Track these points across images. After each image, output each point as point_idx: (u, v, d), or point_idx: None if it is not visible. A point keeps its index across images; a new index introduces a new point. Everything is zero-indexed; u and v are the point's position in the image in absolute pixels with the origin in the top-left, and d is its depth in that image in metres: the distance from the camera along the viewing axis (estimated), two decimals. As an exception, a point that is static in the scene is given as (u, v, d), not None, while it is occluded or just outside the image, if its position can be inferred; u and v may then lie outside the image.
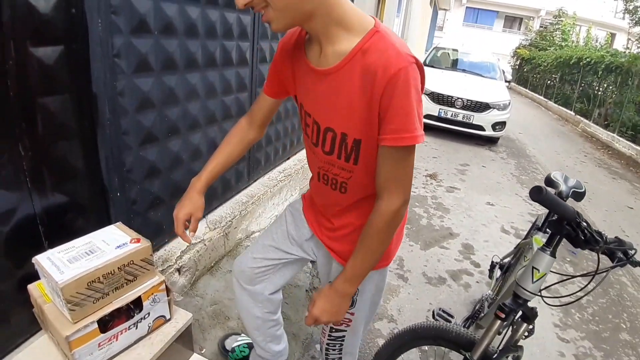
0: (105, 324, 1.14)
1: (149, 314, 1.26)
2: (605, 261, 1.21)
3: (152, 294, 1.26)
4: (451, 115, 6.60)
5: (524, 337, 1.30)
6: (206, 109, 1.96)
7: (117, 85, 1.42)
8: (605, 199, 4.94)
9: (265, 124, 1.30)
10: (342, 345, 1.33)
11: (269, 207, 2.73)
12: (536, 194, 1.19)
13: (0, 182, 1.14)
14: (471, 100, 6.52)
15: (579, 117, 10.74)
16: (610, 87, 9.69)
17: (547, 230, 1.44)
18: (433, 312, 1.94)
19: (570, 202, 1.53)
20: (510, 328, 1.31)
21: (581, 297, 1.30)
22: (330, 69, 0.94)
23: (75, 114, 1.30)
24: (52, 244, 1.26)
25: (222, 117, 2.11)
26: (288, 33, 1.12)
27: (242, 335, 1.81)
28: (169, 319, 1.35)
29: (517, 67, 20.98)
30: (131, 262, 1.18)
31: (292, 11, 0.86)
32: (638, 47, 14.00)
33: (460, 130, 6.68)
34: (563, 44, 18.68)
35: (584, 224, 1.21)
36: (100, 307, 1.14)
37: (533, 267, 1.25)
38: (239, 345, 1.74)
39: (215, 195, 2.22)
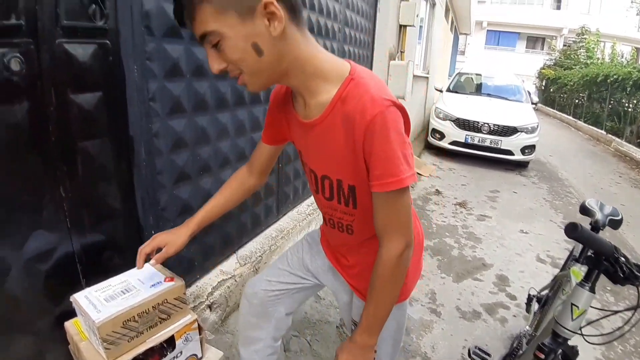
0: (139, 363, 1.15)
1: (181, 352, 1.27)
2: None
3: (185, 332, 1.27)
4: (478, 141, 6.52)
5: (565, 376, 1.25)
6: (236, 147, 2.01)
7: (152, 127, 1.48)
8: (644, 223, 4.73)
9: (265, 171, 1.32)
10: None
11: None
12: (571, 231, 1.16)
13: (41, 222, 1.19)
14: (498, 125, 6.45)
15: (610, 135, 10.46)
16: (640, 104, 9.45)
17: (585, 262, 1.40)
18: (469, 350, 1.88)
19: (608, 231, 1.49)
20: (551, 368, 1.26)
21: (625, 332, 1.25)
22: (316, 120, 0.96)
23: (113, 156, 1.36)
24: (89, 282, 1.31)
25: (251, 153, 2.12)
26: (277, 85, 1.14)
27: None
28: (201, 358, 1.35)
29: (542, 87, 20.73)
30: (165, 301, 1.20)
31: (265, 73, 0.87)
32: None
33: (489, 155, 6.58)
34: (588, 61, 18.43)
35: (622, 259, 1.17)
36: (135, 345, 1.15)
37: (572, 304, 1.22)
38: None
39: (245, 231, 2.24)
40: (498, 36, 29.98)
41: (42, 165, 1.16)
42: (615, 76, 10.48)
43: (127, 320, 1.11)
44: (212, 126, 1.80)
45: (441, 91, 8.12)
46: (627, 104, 10.20)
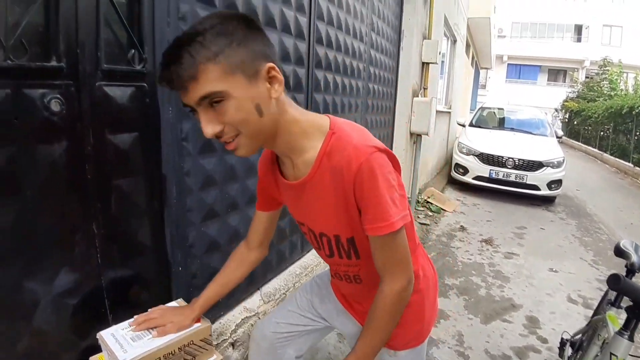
0: (164, 405, 1.13)
1: (206, 393, 1.25)
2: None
3: (210, 373, 1.26)
4: (503, 176, 6.45)
5: None
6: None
7: (184, 166, 1.51)
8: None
9: (265, 242, 1.32)
10: None
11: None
12: (614, 283, 1.14)
13: (73, 257, 1.21)
14: (523, 160, 6.38)
15: (638, 168, 10.26)
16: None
17: (621, 306, 1.36)
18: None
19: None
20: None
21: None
22: (305, 179, 0.97)
23: (145, 194, 1.39)
24: (116, 317, 1.32)
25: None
26: (263, 154, 1.17)
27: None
28: (225, 399, 1.33)
29: (566, 120, 20.52)
30: (191, 342, 1.19)
31: (262, 134, 0.89)
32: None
33: (514, 190, 6.48)
34: (612, 93, 18.24)
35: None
36: (160, 386, 1.14)
37: (611, 353, 1.17)
38: None
39: (269, 267, 2.24)
40: (519, 69, 30.04)
41: (77, 203, 1.19)
42: (640, 108, 10.35)
43: (153, 361, 1.11)
44: (241, 164, 1.83)
45: (464, 126, 8.11)
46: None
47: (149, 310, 1.24)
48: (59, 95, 1.10)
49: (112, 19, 1.22)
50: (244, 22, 0.83)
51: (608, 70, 20.24)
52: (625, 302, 1.41)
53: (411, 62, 4.60)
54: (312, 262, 2.61)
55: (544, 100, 24.26)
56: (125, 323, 1.21)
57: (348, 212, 0.94)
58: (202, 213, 1.64)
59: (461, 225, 5.03)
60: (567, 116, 20.63)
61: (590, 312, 2.70)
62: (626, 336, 1.17)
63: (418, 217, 4.94)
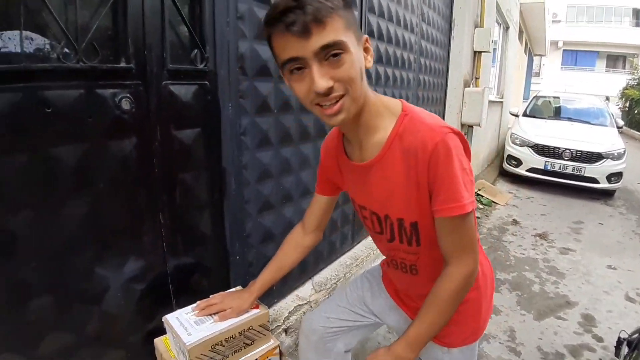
0: (224, 386, 1.20)
1: (263, 376, 1.31)
2: None
3: (267, 357, 1.31)
4: (559, 168, 6.11)
5: None
6: (316, 176, 2.05)
7: (242, 159, 1.57)
8: None
9: (320, 227, 1.33)
10: None
11: (370, 268, 2.73)
12: None
13: (141, 246, 1.30)
14: (581, 151, 6.01)
15: None
16: None
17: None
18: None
19: None
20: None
21: None
22: (373, 161, 0.97)
23: (207, 187, 1.46)
24: (179, 302, 1.40)
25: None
26: (327, 137, 1.18)
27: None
28: (281, 382, 1.39)
29: (626, 109, 19.33)
30: (250, 328, 1.25)
31: (359, 101, 0.88)
32: None
33: (571, 183, 6.14)
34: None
35: None
36: (221, 369, 1.20)
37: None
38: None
39: (321, 257, 2.28)
40: (575, 56, 28.48)
41: (145, 195, 1.28)
42: None
43: (215, 344, 1.17)
44: (295, 157, 1.88)
45: (517, 116, 7.80)
46: None
47: (210, 296, 1.30)
48: (128, 95, 1.17)
49: (175, 21, 1.28)
50: None
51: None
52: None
53: (462, 51, 4.49)
54: (362, 254, 2.63)
55: (602, 88, 22.94)
56: (189, 308, 1.28)
57: (418, 193, 0.93)
58: (258, 205, 1.71)
59: (514, 219, 4.88)
60: (627, 105, 19.42)
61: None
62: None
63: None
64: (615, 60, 27.89)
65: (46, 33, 1.01)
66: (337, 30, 0.78)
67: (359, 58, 0.84)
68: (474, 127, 4.88)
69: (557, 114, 7.86)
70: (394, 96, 2.89)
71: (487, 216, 4.92)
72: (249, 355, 1.27)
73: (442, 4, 3.93)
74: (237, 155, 1.54)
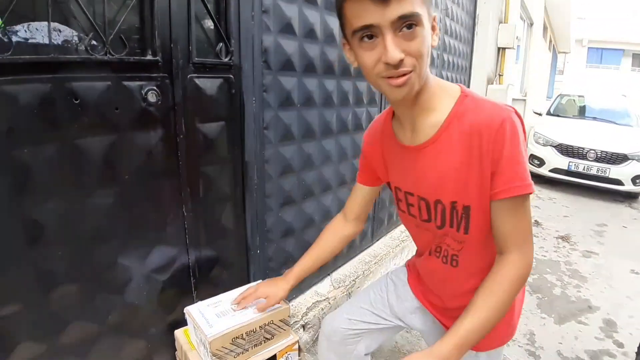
0: (242, 379, 1.20)
1: (281, 371, 1.31)
2: None
3: (286, 352, 1.31)
4: (583, 169, 5.95)
5: None
6: (338, 172, 2.07)
7: (265, 154, 1.58)
8: None
9: (361, 217, 1.32)
10: None
11: (390, 267, 2.71)
12: None
13: (165, 237, 1.31)
14: (606, 152, 5.84)
15: None
16: None
17: None
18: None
19: None
20: None
21: None
22: (426, 142, 0.95)
23: (229, 180, 1.46)
24: (200, 294, 1.41)
25: (352, 179, 2.19)
26: (371, 124, 1.16)
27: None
28: (299, 377, 1.39)
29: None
30: (271, 322, 1.25)
31: (423, 78, 0.86)
32: None
33: (594, 185, 5.98)
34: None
35: None
36: (240, 362, 1.21)
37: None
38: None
39: (340, 254, 2.27)
40: (600, 53, 27.81)
41: (169, 187, 1.29)
42: None
43: (236, 337, 1.18)
44: (318, 152, 1.88)
45: (540, 114, 7.66)
46: None
47: (246, 286, 1.32)
48: (155, 87, 1.18)
49: (201, 14, 1.29)
50: None
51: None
52: None
53: (486, 47, 4.42)
54: (381, 251, 2.62)
55: (628, 87, 22.38)
56: (211, 300, 1.29)
57: (479, 174, 0.90)
58: (279, 199, 1.71)
59: (535, 220, 4.80)
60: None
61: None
62: None
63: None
64: (641, 58, 27.18)
65: (74, 25, 1.02)
66: (414, 2, 0.77)
67: (429, 34, 0.83)
68: (497, 125, 4.79)
69: (582, 113, 7.67)
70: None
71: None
72: (268, 349, 1.28)
73: (466, 0, 3.87)
74: (259, 149, 1.54)
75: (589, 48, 27.82)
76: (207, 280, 1.47)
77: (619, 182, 5.81)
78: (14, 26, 0.92)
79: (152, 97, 1.18)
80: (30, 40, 0.94)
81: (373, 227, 2.61)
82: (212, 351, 1.13)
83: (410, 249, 2.94)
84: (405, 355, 2.15)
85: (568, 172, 6.07)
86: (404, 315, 1.29)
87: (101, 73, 1.06)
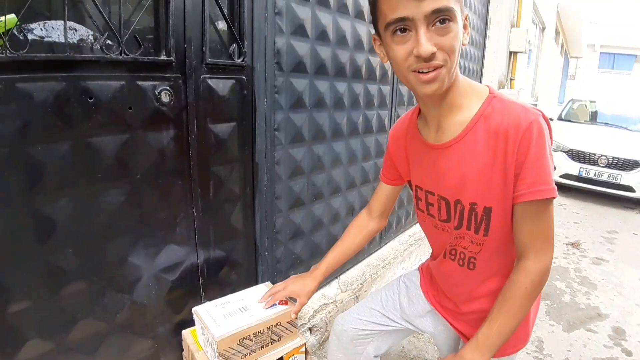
0: (249, 380, 1.20)
1: (288, 373, 1.31)
2: None
3: (293, 355, 1.31)
4: (594, 175, 5.87)
5: None
6: (347, 175, 2.06)
7: (275, 155, 1.58)
8: None
9: (385, 214, 1.32)
10: None
11: (398, 271, 2.71)
12: None
13: (174, 237, 1.31)
14: (617, 158, 5.76)
15: None
16: None
17: None
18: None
19: None
20: None
21: None
22: (451, 141, 0.94)
23: (240, 181, 1.47)
24: (208, 295, 1.41)
25: (361, 182, 2.20)
26: (397, 122, 1.16)
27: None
28: (306, 380, 1.38)
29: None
30: (278, 324, 1.25)
31: (452, 75, 0.87)
32: None
33: (605, 191, 5.90)
34: None
35: None
36: (247, 363, 1.21)
37: None
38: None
39: (348, 256, 2.27)
40: (613, 59, 27.57)
41: (180, 187, 1.29)
42: None
43: (243, 338, 1.17)
44: (328, 155, 1.87)
45: (551, 119, 7.60)
46: None
47: (273, 286, 1.33)
48: (168, 87, 1.19)
49: (215, 16, 1.29)
50: None
51: None
52: None
53: (498, 51, 4.40)
54: (389, 255, 2.61)
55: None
56: (219, 300, 1.29)
57: (503, 176, 0.89)
58: (289, 201, 1.71)
59: (544, 225, 4.77)
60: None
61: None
62: None
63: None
64: (653, 64, 26.90)
65: (90, 24, 1.03)
66: None
67: (461, 31, 0.83)
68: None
69: (594, 118, 7.59)
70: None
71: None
72: (275, 351, 1.27)
73: (478, 3, 3.85)
74: (270, 151, 1.54)
75: (601, 53, 27.61)
76: (215, 280, 1.47)
77: (630, 189, 5.74)
78: (30, 24, 0.93)
79: (165, 97, 1.18)
80: (46, 39, 0.95)
81: (381, 231, 2.59)
82: (219, 352, 1.13)
83: (419, 254, 2.93)
84: None
85: (579, 178, 6.01)
86: (415, 318, 1.28)
87: (115, 72, 1.07)
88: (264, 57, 1.44)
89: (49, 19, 0.96)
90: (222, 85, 1.33)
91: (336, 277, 2.19)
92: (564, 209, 5.59)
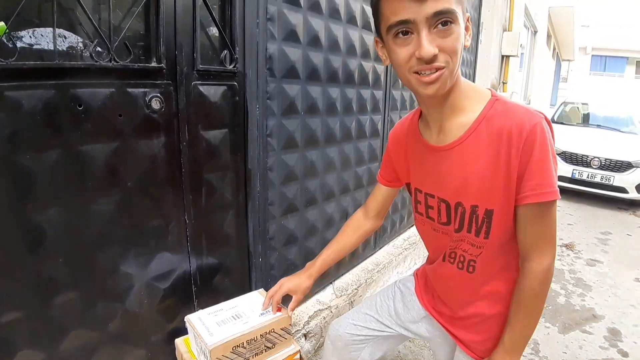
0: (243, 389, 1.19)
1: (282, 381, 1.30)
2: None
3: (288, 362, 1.30)
4: (587, 177, 5.94)
5: None
6: (341, 180, 2.06)
7: (267, 161, 1.57)
8: None
9: (381, 214, 1.33)
10: None
11: (393, 276, 2.70)
12: None
13: (166, 245, 1.30)
14: (610, 159, 5.82)
15: None
16: None
17: None
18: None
19: None
20: None
21: None
22: (453, 143, 0.95)
23: (232, 188, 1.46)
24: (201, 302, 1.40)
25: (355, 187, 2.19)
26: (398, 124, 1.17)
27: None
28: (300, 387, 1.37)
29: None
30: (272, 331, 1.24)
31: (454, 77, 0.87)
32: None
33: (599, 192, 5.96)
34: None
35: None
36: (241, 371, 1.20)
37: None
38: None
39: (342, 262, 2.26)
40: (604, 61, 27.78)
41: (172, 194, 1.28)
42: None
43: (237, 346, 1.16)
44: (321, 160, 1.87)
45: (546, 122, 7.63)
46: None
47: (250, 294, 1.34)
48: (159, 94, 1.18)
49: (206, 22, 1.29)
50: None
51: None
52: None
53: (490, 55, 4.43)
54: (384, 259, 2.60)
55: (631, 95, 22.30)
56: (212, 308, 1.28)
57: (505, 179, 0.90)
58: (282, 207, 1.70)
59: (538, 228, 4.78)
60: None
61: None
62: None
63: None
64: (645, 66, 27.13)
65: (79, 31, 1.02)
66: (451, 0, 0.79)
67: (463, 33, 0.84)
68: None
69: (586, 120, 7.65)
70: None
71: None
72: (270, 358, 1.26)
73: (470, 7, 3.87)
74: (262, 157, 1.54)
75: (592, 56, 27.82)
76: (208, 288, 1.46)
77: (623, 190, 5.79)
78: (19, 32, 0.92)
79: (155, 104, 1.17)
80: (35, 46, 0.95)
81: (376, 235, 2.59)
82: (212, 360, 1.12)
83: (413, 257, 2.93)
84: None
85: (572, 180, 6.06)
86: (410, 323, 1.28)
87: (105, 80, 1.06)
88: (255, 63, 1.43)
89: (38, 27, 0.95)
90: (213, 92, 1.32)
91: (331, 283, 2.18)
92: (558, 211, 5.42)
